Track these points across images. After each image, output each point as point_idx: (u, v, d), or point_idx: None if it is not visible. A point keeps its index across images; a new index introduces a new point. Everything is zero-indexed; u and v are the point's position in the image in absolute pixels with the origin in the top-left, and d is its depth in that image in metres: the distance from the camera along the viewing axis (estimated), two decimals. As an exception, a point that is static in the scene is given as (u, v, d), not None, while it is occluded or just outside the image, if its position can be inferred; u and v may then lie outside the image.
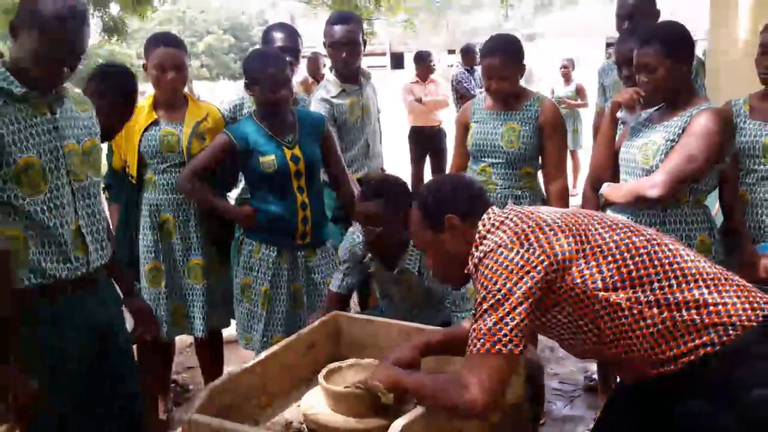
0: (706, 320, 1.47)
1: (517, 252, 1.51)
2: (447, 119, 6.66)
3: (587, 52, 16.57)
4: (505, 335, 1.46)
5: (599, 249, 1.53)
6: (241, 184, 3.02)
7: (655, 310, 1.48)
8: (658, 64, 2.24)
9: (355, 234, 2.56)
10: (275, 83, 2.60)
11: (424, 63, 7.07)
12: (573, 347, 1.64)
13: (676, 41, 2.27)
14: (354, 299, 3.35)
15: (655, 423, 1.57)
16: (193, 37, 32.95)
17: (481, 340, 1.48)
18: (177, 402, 3.18)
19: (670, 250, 1.56)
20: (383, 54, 27.39)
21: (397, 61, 27.43)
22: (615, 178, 2.47)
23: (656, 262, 1.52)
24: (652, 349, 1.50)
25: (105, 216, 2.12)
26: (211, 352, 3.02)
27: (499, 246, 1.54)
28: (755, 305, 1.49)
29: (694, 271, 1.53)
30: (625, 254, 1.52)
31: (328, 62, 3.65)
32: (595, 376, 3.14)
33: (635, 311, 1.49)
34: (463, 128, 2.96)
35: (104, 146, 2.28)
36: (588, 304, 1.52)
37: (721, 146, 2.24)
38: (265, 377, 1.94)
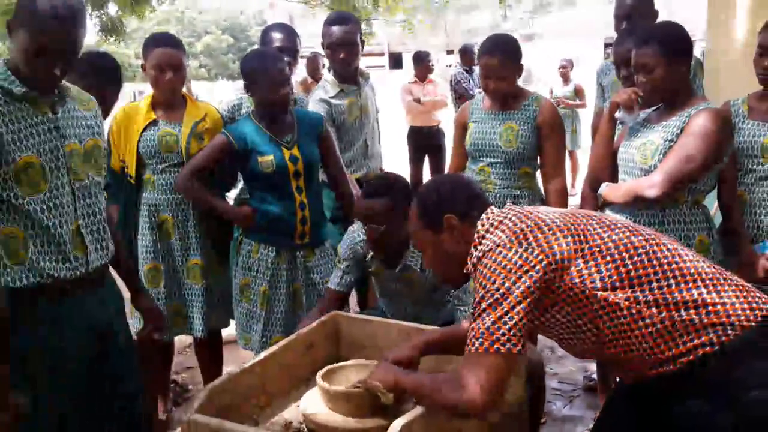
0: (705, 320, 1.47)
1: (516, 251, 1.51)
2: (446, 119, 6.66)
3: (586, 53, 16.59)
4: (504, 334, 1.46)
5: (598, 249, 1.53)
6: (240, 184, 3.02)
7: (653, 310, 1.49)
8: (656, 64, 2.24)
9: (356, 232, 2.56)
10: (275, 83, 2.61)
11: (422, 63, 7.07)
12: (572, 347, 1.64)
13: (674, 41, 2.27)
14: (353, 299, 3.35)
15: (654, 423, 1.57)
16: (191, 38, 32.95)
17: (480, 339, 1.48)
18: (176, 402, 3.18)
19: (668, 250, 1.56)
20: (381, 54, 27.40)
21: (396, 61, 27.44)
22: (613, 178, 2.48)
23: (655, 262, 1.52)
24: (651, 349, 1.50)
25: (107, 215, 2.12)
26: (210, 352, 3.02)
27: (498, 245, 1.54)
28: (754, 305, 1.49)
29: (692, 270, 1.53)
30: (624, 254, 1.53)
31: (327, 62, 3.65)
32: (595, 375, 3.14)
33: (634, 311, 1.49)
34: (462, 128, 2.96)
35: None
36: (587, 304, 1.52)
37: (720, 146, 2.24)
38: (264, 377, 1.94)
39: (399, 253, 2.45)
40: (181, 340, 3.60)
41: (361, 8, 10.81)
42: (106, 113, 2.50)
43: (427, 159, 6.97)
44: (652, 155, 2.29)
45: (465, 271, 1.67)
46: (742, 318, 1.47)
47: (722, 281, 1.53)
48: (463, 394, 1.47)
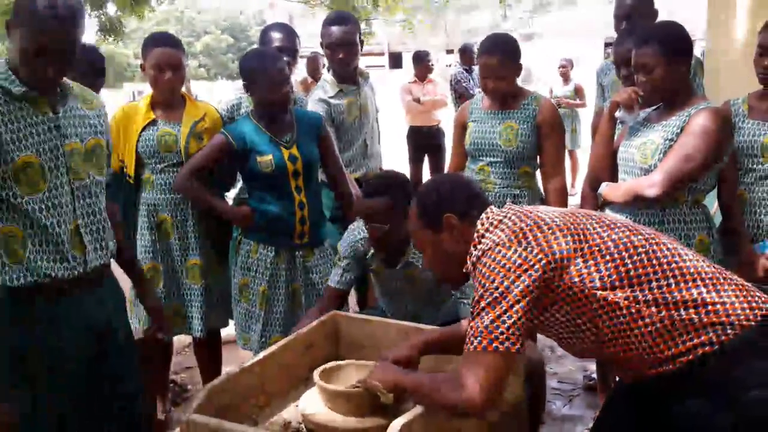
0: (705, 319, 1.47)
1: (515, 250, 1.51)
2: (445, 119, 6.66)
3: (586, 52, 16.60)
4: (502, 333, 1.46)
5: (597, 248, 1.53)
6: (239, 184, 3.01)
7: (653, 309, 1.48)
8: (656, 63, 2.24)
9: (356, 230, 2.55)
10: (274, 82, 2.60)
11: (422, 63, 7.07)
12: (571, 346, 1.64)
13: (674, 41, 2.27)
14: (352, 299, 3.35)
15: (653, 422, 1.57)
16: (190, 37, 32.96)
17: (478, 338, 1.48)
18: (175, 402, 3.18)
19: (668, 249, 1.56)
20: (381, 54, 27.40)
21: (396, 60, 27.44)
22: (613, 177, 2.47)
23: (654, 262, 1.52)
24: (650, 348, 1.50)
25: (112, 214, 2.12)
26: (209, 352, 3.01)
27: (497, 244, 1.54)
28: (754, 304, 1.49)
29: (692, 270, 1.52)
30: (624, 253, 1.52)
31: (326, 62, 3.65)
32: (594, 375, 3.14)
33: (633, 310, 1.49)
34: (461, 128, 2.96)
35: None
36: (586, 303, 1.51)
37: (720, 145, 2.24)
38: (263, 377, 1.93)
39: (400, 251, 2.45)
40: (180, 340, 3.60)
41: (360, 8, 10.81)
42: None
43: (426, 159, 6.97)
44: (652, 155, 2.29)
45: (464, 271, 1.66)
46: (742, 317, 1.46)
47: (722, 281, 1.52)
48: (461, 392, 1.46)
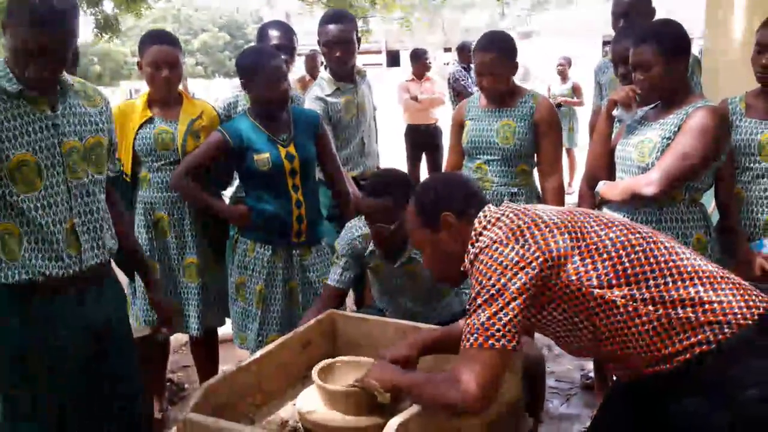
0: (702, 318, 1.47)
1: (513, 248, 1.51)
2: (443, 117, 6.66)
3: (584, 51, 16.60)
4: (499, 330, 1.46)
5: (595, 246, 1.53)
6: (236, 182, 3.01)
7: (650, 308, 1.48)
8: (653, 62, 2.24)
9: (354, 228, 2.55)
10: (272, 80, 2.59)
11: (420, 61, 7.07)
12: (569, 345, 1.64)
13: (672, 39, 2.27)
14: (350, 298, 3.35)
15: (651, 421, 1.57)
16: (188, 35, 32.91)
17: (475, 335, 1.48)
18: (172, 401, 3.17)
19: (666, 247, 1.56)
20: (379, 52, 27.39)
21: (393, 59, 27.43)
22: (611, 176, 2.47)
23: (652, 260, 1.52)
24: (647, 347, 1.50)
25: (118, 211, 2.12)
26: (206, 350, 3.01)
27: (495, 242, 1.54)
28: (751, 303, 1.49)
29: (690, 268, 1.52)
30: (621, 252, 1.52)
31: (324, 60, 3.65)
32: (592, 374, 3.14)
33: (630, 308, 1.49)
34: (459, 126, 2.95)
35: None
36: (583, 301, 1.51)
37: (717, 144, 2.24)
38: (260, 376, 1.93)
39: (401, 248, 2.44)
40: (177, 339, 3.60)
41: (358, 6, 10.80)
42: None
43: (424, 157, 6.97)
44: (649, 153, 2.29)
45: (462, 269, 1.66)
46: (739, 316, 1.46)
47: (719, 279, 1.52)
48: (457, 389, 1.46)
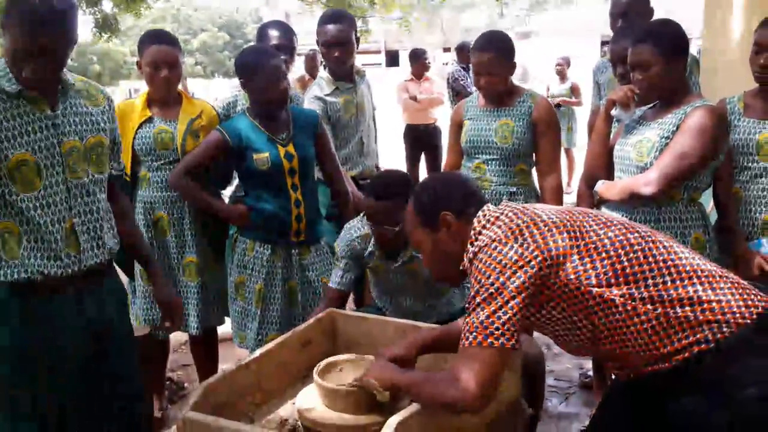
0: (701, 317, 1.47)
1: (511, 247, 1.52)
2: (442, 117, 6.66)
3: (583, 51, 16.61)
4: (498, 329, 1.46)
5: (593, 245, 1.53)
6: (236, 182, 3.01)
7: (649, 307, 1.49)
8: (652, 62, 2.24)
9: (352, 229, 2.55)
10: (272, 79, 2.59)
11: (419, 61, 7.07)
12: (568, 343, 1.65)
13: (670, 39, 2.27)
14: (351, 298, 3.35)
15: (649, 420, 1.57)
16: (187, 35, 32.90)
17: (474, 334, 1.48)
18: (172, 400, 3.17)
19: (664, 247, 1.56)
20: (378, 52, 27.40)
21: (392, 58, 27.43)
22: (610, 175, 2.48)
23: (650, 259, 1.53)
24: (646, 346, 1.50)
25: (123, 210, 2.12)
26: (205, 349, 3.01)
27: (494, 241, 1.54)
28: (749, 302, 1.49)
29: (688, 268, 1.53)
30: (620, 251, 1.53)
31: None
32: (591, 373, 3.14)
33: (629, 307, 1.49)
34: (457, 126, 2.96)
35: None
36: (582, 300, 1.52)
37: (716, 143, 2.24)
38: (259, 375, 1.93)
39: (402, 247, 2.44)
40: (177, 338, 3.60)
41: (357, 6, 10.81)
42: None
43: (423, 157, 6.97)
44: (648, 152, 2.29)
45: (462, 268, 1.66)
46: (738, 315, 1.47)
47: (718, 278, 1.53)
48: (456, 387, 1.46)
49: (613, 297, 1.50)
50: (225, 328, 3.04)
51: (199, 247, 2.80)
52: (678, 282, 1.50)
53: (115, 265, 2.10)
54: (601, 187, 2.43)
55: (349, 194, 2.97)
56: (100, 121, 1.96)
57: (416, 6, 15.14)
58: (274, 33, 3.12)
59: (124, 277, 2.34)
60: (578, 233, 1.55)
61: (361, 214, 2.57)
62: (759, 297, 1.52)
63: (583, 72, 7.01)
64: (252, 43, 3.47)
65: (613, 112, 2.45)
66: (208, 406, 1.72)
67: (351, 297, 3.46)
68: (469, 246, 1.63)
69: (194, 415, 1.65)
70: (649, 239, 1.57)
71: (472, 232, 1.63)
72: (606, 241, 1.54)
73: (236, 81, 2.79)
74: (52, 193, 1.83)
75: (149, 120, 2.73)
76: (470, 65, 7.02)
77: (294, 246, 2.75)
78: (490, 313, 1.47)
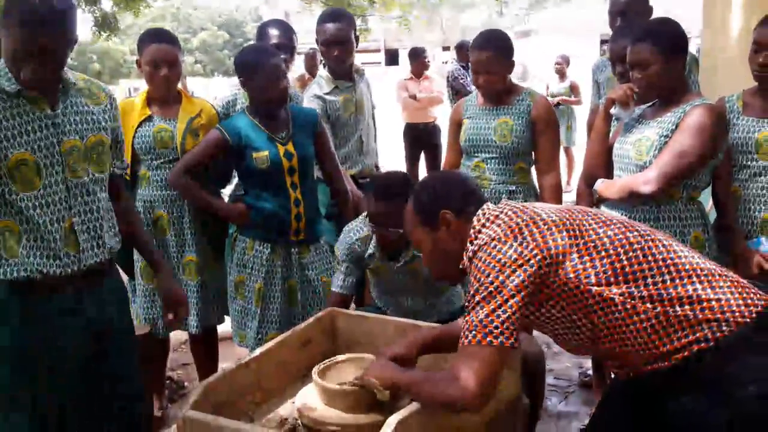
0: (700, 316, 1.47)
1: (511, 245, 1.52)
2: (442, 116, 6.66)
3: (582, 49, 16.61)
4: (497, 327, 1.47)
5: (593, 244, 1.54)
6: (235, 181, 3.01)
7: (648, 305, 1.49)
8: (651, 60, 2.24)
9: (351, 232, 2.55)
10: (272, 78, 2.59)
11: (418, 59, 7.07)
12: (567, 342, 1.65)
13: (669, 38, 2.28)
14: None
15: (649, 419, 1.57)
16: (187, 34, 32.88)
17: (473, 332, 1.48)
18: (172, 399, 3.18)
19: (664, 246, 1.56)
20: (377, 51, 27.39)
21: (392, 57, 27.42)
22: (609, 174, 2.48)
23: (650, 258, 1.53)
24: (645, 344, 1.50)
25: (126, 206, 2.12)
26: (205, 348, 3.01)
27: (493, 239, 1.54)
28: (749, 301, 1.50)
29: (687, 266, 1.53)
30: (619, 250, 1.53)
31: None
32: (590, 372, 3.15)
33: (629, 306, 1.50)
34: (456, 125, 2.96)
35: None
36: (581, 299, 1.52)
37: (715, 142, 2.24)
38: (259, 374, 1.94)
39: (404, 247, 2.44)
40: (177, 337, 3.60)
41: (356, 4, 10.80)
42: None
43: (423, 155, 6.97)
44: (647, 151, 2.30)
45: (461, 267, 1.67)
46: (737, 314, 1.47)
47: (717, 277, 1.53)
48: (457, 386, 1.47)
49: (612, 296, 1.50)
50: (225, 327, 3.04)
51: (199, 246, 2.80)
52: (677, 281, 1.50)
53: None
54: (601, 185, 2.43)
55: (348, 193, 2.97)
56: (102, 120, 1.95)
57: (416, 4, 15.13)
58: (274, 32, 3.12)
59: (123, 276, 2.34)
60: (578, 232, 1.55)
61: (363, 215, 2.57)
62: (758, 295, 1.52)
63: (582, 71, 7.00)
64: (252, 42, 3.47)
65: (613, 110, 2.45)
66: (208, 405, 1.72)
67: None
68: (468, 245, 1.63)
69: (194, 414, 1.65)
70: (649, 238, 1.57)
71: (472, 231, 1.64)
72: (605, 239, 1.54)
73: (236, 80, 2.79)
74: (52, 193, 1.83)
75: (149, 119, 2.73)
76: (470, 64, 7.06)
77: (293, 245, 2.75)
78: (490, 312, 1.48)
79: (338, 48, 3.15)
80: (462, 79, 6.84)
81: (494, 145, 2.80)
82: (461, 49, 7.14)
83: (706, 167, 2.29)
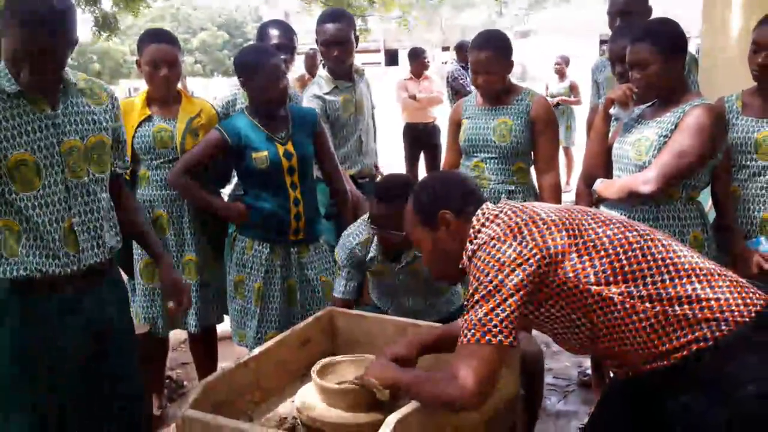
0: (699, 315, 1.48)
1: (510, 245, 1.52)
2: (441, 116, 6.66)
3: (581, 50, 16.61)
4: (496, 326, 1.47)
5: (592, 244, 1.54)
6: (235, 180, 3.01)
7: (647, 305, 1.49)
8: (650, 60, 2.25)
9: (351, 235, 2.55)
10: (271, 78, 2.59)
11: (418, 59, 7.07)
12: (567, 341, 1.65)
13: (669, 38, 2.28)
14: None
15: (648, 418, 1.58)
16: (186, 34, 32.90)
17: (472, 331, 1.49)
18: (171, 398, 3.18)
19: (663, 245, 1.57)
20: (377, 51, 27.41)
21: (392, 57, 27.44)
22: (608, 174, 2.48)
23: (649, 258, 1.53)
24: (645, 344, 1.50)
25: (130, 204, 2.13)
26: (205, 348, 3.02)
27: (493, 239, 1.55)
28: (748, 301, 1.50)
29: (687, 266, 1.53)
30: (618, 249, 1.53)
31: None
32: (589, 371, 3.15)
33: (628, 305, 1.50)
34: (456, 125, 2.96)
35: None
36: (581, 298, 1.52)
37: (714, 142, 2.24)
38: (259, 373, 1.94)
39: (406, 247, 2.44)
40: (176, 336, 3.60)
41: (356, 5, 10.81)
42: None
43: (422, 155, 6.97)
44: (646, 151, 2.30)
45: (461, 267, 1.67)
46: (736, 313, 1.47)
47: (716, 277, 1.53)
48: (456, 385, 1.47)
49: (611, 295, 1.50)
50: (224, 327, 3.04)
51: (199, 245, 2.80)
52: (677, 280, 1.51)
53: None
54: (600, 185, 2.43)
55: (347, 193, 2.97)
56: (103, 120, 1.95)
57: (415, 5, 15.14)
58: (274, 32, 3.12)
59: (123, 276, 2.34)
60: (577, 231, 1.56)
61: (361, 218, 2.57)
62: (757, 295, 1.53)
63: (581, 71, 7.01)
64: (252, 42, 3.47)
65: (612, 110, 2.46)
66: (207, 405, 1.72)
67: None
68: (468, 244, 1.63)
69: (193, 413, 1.65)
70: (648, 237, 1.57)
71: (471, 231, 1.64)
72: (605, 239, 1.55)
73: (236, 80, 2.79)
74: (51, 193, 1.83)
75: (149, 119, 2.73)
76: (469, 64, 7.06)
77: (293, 244, 2.75)
78: (488, 311, 1.48)
79: (338, 48, 3.16)
80: (461, 79, 6.85)
81: (493, 145, 2.80)
82: (461, 49, 7.14)
83: (705, 167, 2.29)
